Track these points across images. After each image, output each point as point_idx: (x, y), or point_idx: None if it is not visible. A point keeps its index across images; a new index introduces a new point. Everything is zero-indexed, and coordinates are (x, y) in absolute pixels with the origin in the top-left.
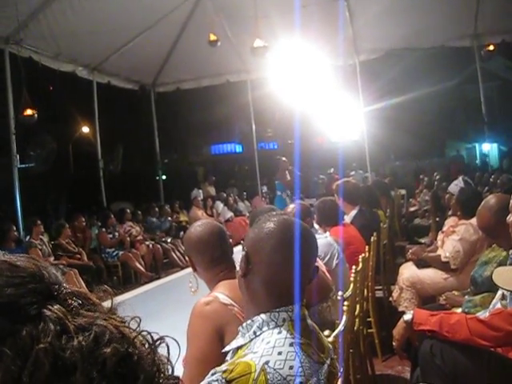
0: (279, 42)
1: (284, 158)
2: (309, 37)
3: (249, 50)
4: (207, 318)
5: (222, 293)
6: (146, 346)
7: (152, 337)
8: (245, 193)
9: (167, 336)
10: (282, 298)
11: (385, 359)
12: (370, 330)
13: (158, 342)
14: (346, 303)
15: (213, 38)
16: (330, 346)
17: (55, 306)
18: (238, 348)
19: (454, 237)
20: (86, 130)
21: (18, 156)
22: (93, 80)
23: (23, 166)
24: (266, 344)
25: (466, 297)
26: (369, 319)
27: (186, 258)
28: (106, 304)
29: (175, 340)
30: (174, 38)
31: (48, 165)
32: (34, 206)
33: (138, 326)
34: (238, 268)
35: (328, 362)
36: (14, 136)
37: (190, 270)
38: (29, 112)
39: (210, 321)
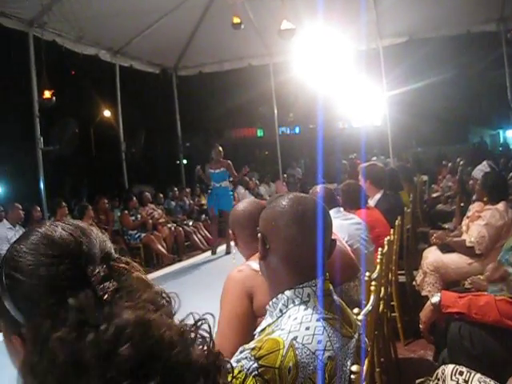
0: (303, 25)
1: (219, 148)
2: (332, 20)
3: (272, 33)
4: (238, 281)
5: (255, 261)
6: (180, 337)
7: (194, 319)
8: (268, 176)
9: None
10: (303, 274)
11: (407, 343)
12: (393, 314)
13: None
14: (373, 283)
15: (236, 20)
16: (358, 321)
17: (83, 293)
18: (266, 326)
19: (479, 222)
20: (107, 113)
21: (41, 138)
22: (115, 63)
23: (46, 148)
24: (293, 320)
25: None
26: (392, 303)
27: (230, 231)
28: None
29: (211, 315)
30: (196, 21)
31: (70, 147)
32: (57, 188)
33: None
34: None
35: (356, 336)
36: (37, 119)
37: (209, 253)
38: (47, 95)
39: (240, 284)
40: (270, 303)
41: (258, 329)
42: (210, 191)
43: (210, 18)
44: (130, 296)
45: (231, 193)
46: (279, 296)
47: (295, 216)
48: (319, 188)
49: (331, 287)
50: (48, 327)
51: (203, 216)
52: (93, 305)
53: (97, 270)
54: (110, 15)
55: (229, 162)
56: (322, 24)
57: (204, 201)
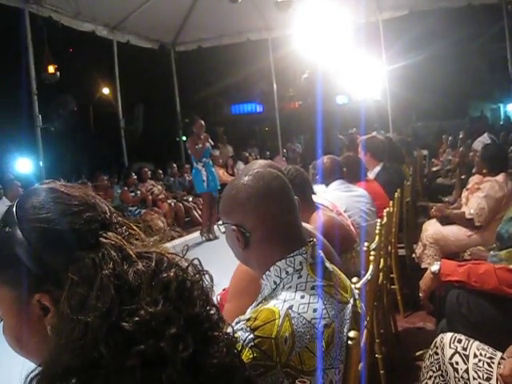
0: None
1: (201, 121)
2: None
3: (270, 7)
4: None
5: None
6: (195, 274)
7: (201, 264)
8: (268, 152)
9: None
10: (291, 243)
11: (407, 315)
12: (392, 287)
13: (203, 272)
14: (372, 253)
15: None
16: (353, 286)
17: (110, 234)
18: (262, 300)
19: (478, 194)
20: (106, 90)
21: (40, 116)
22: (113, 39)
23: (45, 126)
24: (288, 289)
25: (491, 252)
26: (391, 276)
27: None
28: None
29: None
30: None
31: (69, 125)
32: (56, 165)
33: (185, 254)
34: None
35: (351, 301)
36: (35, 96)
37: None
38: (51, 70)
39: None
40: (264, 276)
41: (254, 303)
42: (199, 169)
43: None
44: (140, 238)
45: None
46: (271, 268)
47: (262, 193)
48: (325, 158)
49: (321, 253)
50: (93, 267)
51: None
52: (125, 243)
53: (112, 217)
54: None
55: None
56: None
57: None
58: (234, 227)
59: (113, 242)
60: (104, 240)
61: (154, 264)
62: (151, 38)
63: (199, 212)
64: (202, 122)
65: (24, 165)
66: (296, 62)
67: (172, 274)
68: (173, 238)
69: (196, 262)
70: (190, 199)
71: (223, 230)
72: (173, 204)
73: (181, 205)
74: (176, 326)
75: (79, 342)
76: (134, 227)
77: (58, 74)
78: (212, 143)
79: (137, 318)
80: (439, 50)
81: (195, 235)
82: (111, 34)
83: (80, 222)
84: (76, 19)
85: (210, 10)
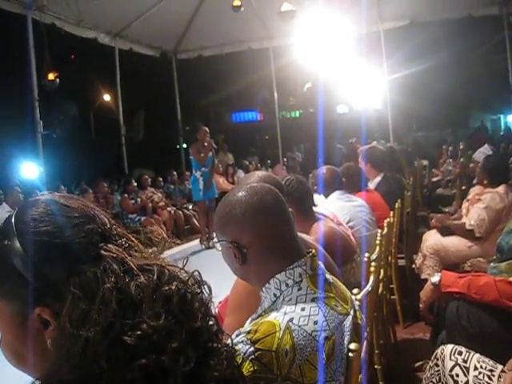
0: (303, 7)
1: (206, 128)
2: (332, 3)
3: (272, 16)
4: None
5: None
6: (195, 285)
7: (201, 276)
8: (268, 160)
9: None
10: (290, 255)
11: (406, 326)
12: (392, 297)
13: (202, 284)
14: (373, 264)
15: (236, 2)
16: (353, 297)
17: (111, 246)
18: (262, 312)
19: (479, 205)
20: (107, 97)
21: (41, 122)
22: (115, 47)
23: (46, 132)
24: (288, 302)
25: (492, 264)
26: (391, 286)
27: None
28: None
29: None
30: (196, 3)
31: (70, 131)
32: (56, 171)
33: (184, 265)
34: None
35: (352, 312)
36: (37, 102)
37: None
38: (51, 77)
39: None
40: (264, 289)
41: (254, 315)
42: (198, 178)
43: (209, 0)
44: (139, 250)
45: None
46: (271, 281)
47: (257, 208)
48: (325, 169)
49: (321, 264)
50: (95, 280)
51: None
52: (126, 255)
53: (112, 230)
54: None
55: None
56: (323, 7)
57: None
58: (230, 244)
59: (114, 255)
60: (105, 253)
61: (155, 277)
62: (153, 46)
63: None
64: (206, 129)
65: (29, 170)
66: (297, 71)
67: (174, 287)
68: (172, 247)
69: (196, 274)
70: (190, 207)
71: (220, 247)
72: (173, 212)
73: (181, 212)
74: (177, 339)
75: (80, 356)
76: (133, 239)
77: (58, 81)
78: (216, 147)
79: (139, 332)
80: (440, 59)
81: (194, 243)
82: (113, 42)
83: (81, 235)
84: (78, 26)
85: (212, 18)
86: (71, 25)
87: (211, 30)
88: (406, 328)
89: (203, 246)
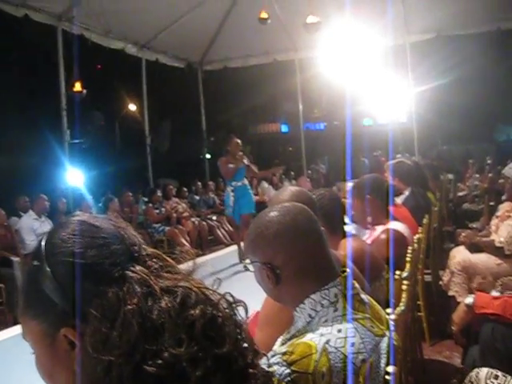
0: (329, 20)
1: (237, 140)
2: (359, 15)
3: (298, 28)
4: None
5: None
6: (227, 308)
7: (233, 297)
8: (292, 173)
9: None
10: (325, 275)
11: (433, 344)
12: (418, 314)
13: (236, 305)
14: (405, 282)
15: (263, 15)
16: (388, 317)
17: (137, 268)
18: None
19: (509, 222)
20: (132, 107)
21: (68, 131)
22: (141, 57)
23: (73, 141)
24: (324, 323)
25: None
26: (418, 302)
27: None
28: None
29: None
30: (223, 15)
31: (96, 141)
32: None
33: (217, 287)
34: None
35: (387, 333)
36: (64, 112)
37: (234, 247)
38: (78, 87)
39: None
40: (298, 309)
41: (287, 335)
42: (229, 193)
43: (236, 12)
44: (173, 271)
45: (251, 191)
46: (305, 301)
47: (290, 228)
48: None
49: (356, 284)
50: (117, 302)
51: None
52: (152, 277)
53: (141, 250)
54: (137, 9)
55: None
56: (349, 19)
57: None
58: (263, 265)
59: (139, 277)
60: (130, 274)
61: (179, 300)
62: (179, 57)
63: (223, 231)
64: (238, 141)
65: (74, 177)
66: (322, 83)
67: (198, 311)
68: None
69: (228, 296)
70: (214, 218)
71: (252, 268)
72: (196, 222)
73: (204, 223)
74: (202, 367)
75: (104, 380)
76: (167, 258)
77: (85, 91)
78: (246, 163)
79: (160, 361)
80: (465, 72)
81: (218, 254)
82: (140, 52)
83: (105, 255)
84: (106, 37)
85: (238, 30)
86: (99, 35)
87: (237, 41)
88: (432, 346)
89: (244, 267)
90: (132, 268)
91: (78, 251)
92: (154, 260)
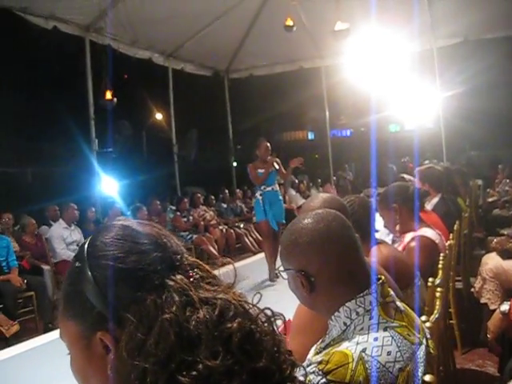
0: (356, 26)
1: (267, 143)
2: (385, 21)
3: (324, 35)
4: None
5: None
6: (266, 322)
7: (272, 312)
8: (319, 180)
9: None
10: (360, 283)
11: (464, 352)
12: (450, 321)
13: (275, 318)
14: (438, 290)
15: (289, 22)
16: (424, 325)
17: (178, 277)
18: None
19: None
20: (159, 116)
21: (96, 141)
22: (168, 66)
23: (102, 150)
24: (360, 331)
25: None
26: (449, 310)
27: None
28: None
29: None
30: (248, 24)
31: (125, 150)
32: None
33: (257, 302)
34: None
35: (425, 342)
36: (93, 121)
37: (262, 255)
38: (109, 96)
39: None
40: (333, 317)
41: (321, 343)
42: (257, 198)
43: (261, 20)
44: (213, 283)
45: (282, 198)
46: (340, 309)
47: (324, 235)
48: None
49: (391, 292)
50: (155, 309)
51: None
52: (192, 287)
53: (183, 259)
54: (164, 19)
55: (276, 158)
56: (375, 25)
57: None
58: (297, 273)
59: (178, 286)
60: (170, 282)
61: (217, 312)
62: (205, 65)
63: (250, 239)
64: (268, 145)
65: (106, 186)
66: (348, 89)
67: (236, 324)
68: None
69: (267, 311)
70: (242, 226)
71: (286, 276)
72: (224, 230)
73: (232, 231)
74: (237, 380)
75: None
76: (209, 269)
77: (115, 100)
78: (277, 167)
79: (194, 373)
80: (494, 77)
81: (246, 262)
82: (167, 62)
83: (146, 262)
84: (133, 47)
85: (264, 38)
86: (126, 45)
87: (263, 49)
88: (464, 354)
89: (271, 281)
90: (172, 277)
91: (119, 255)
92: (196, 270)
